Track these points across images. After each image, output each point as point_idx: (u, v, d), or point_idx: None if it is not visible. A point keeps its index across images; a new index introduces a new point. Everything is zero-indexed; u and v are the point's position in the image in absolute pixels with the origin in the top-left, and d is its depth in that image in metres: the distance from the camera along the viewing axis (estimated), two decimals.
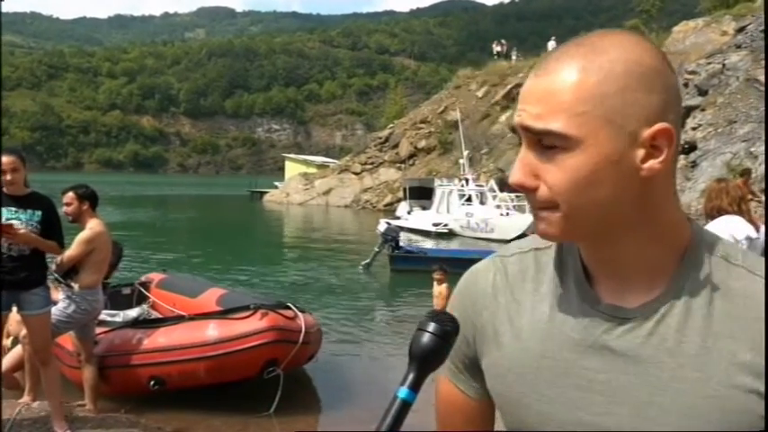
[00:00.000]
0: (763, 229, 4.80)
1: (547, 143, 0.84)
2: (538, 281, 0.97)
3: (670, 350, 0.86)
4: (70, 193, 5.28)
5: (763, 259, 0.91)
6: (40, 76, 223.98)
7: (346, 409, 6.05)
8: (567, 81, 0.82)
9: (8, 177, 4.42)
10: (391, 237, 15.28)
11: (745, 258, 0.89)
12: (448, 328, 0.83)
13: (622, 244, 0.88)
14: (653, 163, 0.83)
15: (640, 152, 0.83)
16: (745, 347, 0.84)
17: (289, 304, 6.22)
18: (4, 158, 4.43)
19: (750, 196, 11.68)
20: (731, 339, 0.84)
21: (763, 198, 11.88)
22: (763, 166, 13.04)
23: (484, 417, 1.05)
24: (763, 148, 13.53)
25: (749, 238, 4.49)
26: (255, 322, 5.71)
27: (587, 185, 0.83)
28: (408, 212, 27.63)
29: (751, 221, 4.62)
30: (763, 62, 16.37)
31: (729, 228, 4.48)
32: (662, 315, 0.87)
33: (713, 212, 4.64)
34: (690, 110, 17.54)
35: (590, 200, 0.83)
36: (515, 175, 0.87)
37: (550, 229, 0.87)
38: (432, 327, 0.83)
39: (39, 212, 4.57)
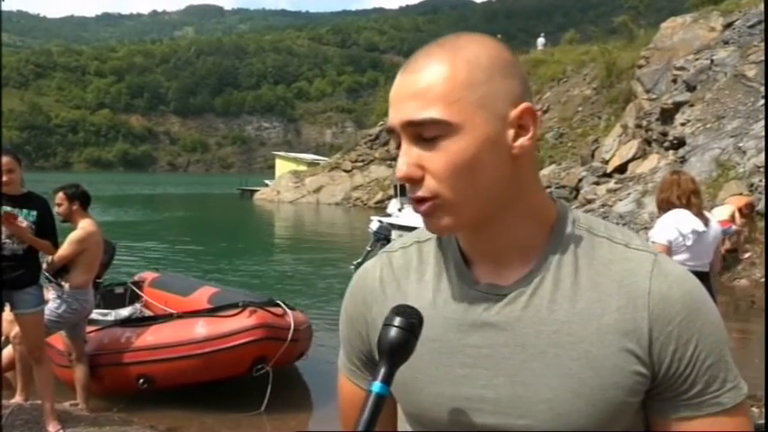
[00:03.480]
0: (712, 222, 4.73)
1: (428, 134, 0.88)
2: (421, 271, 1.02)
3: (544, 319, 0.91)
4: (60, 193, 5.30)
5: (624, 228, 0.99)
6: (27, 75, 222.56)
7: (337, 406, 6.06)
8: (439, 74, 0.88)
9: (4, 178, 4.43)
10: (383, 235, 15.21)
11: (607, 229, 0.97)
12: (413, 320, 0.86)
13: (497, 226, 0.94)
14: (522, 141, 0.90)
15: (511, 132, 0.90)
16: (611, 309, 0.90)
17: (278, 301, 6.21)
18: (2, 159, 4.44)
19: (744, 228, 11.29)
20: (597, 303, 0.91)
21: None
22: (751, 162, 13.11)
23: (388, 410, 1.02)
24: (750, 143, 13.61)
25: (695, 232, 4.43)
26: (244, 320, 5.71)
27: (470, 168, 0.88)
28: (399, 209, 27.53)
29: (699, 215, 4.56)
30: (750, 58, 16.48)
31: (676, 221, 4.46)
32: (534, 288, 0.93)
33: (663, 205, 4.60)
34: (678, 105, 17.60)
35: (472, 183, 0.88)
36: (401, 170, 0.90)
37: (438, 222, 0.91)
38: (398, 321, 0.86)
39: (34, 212, 4.59)
